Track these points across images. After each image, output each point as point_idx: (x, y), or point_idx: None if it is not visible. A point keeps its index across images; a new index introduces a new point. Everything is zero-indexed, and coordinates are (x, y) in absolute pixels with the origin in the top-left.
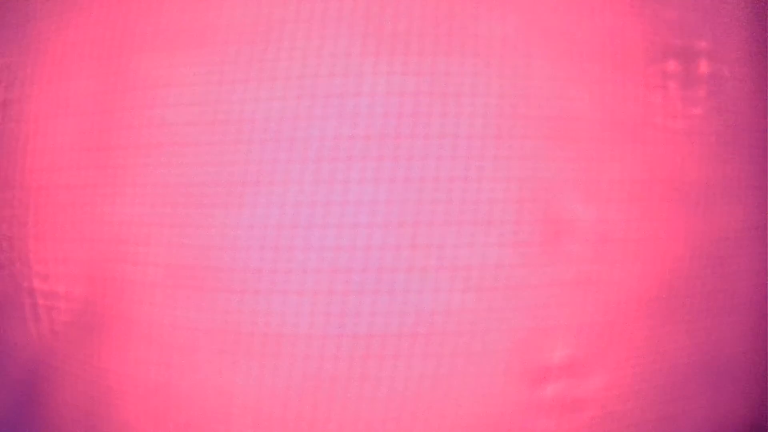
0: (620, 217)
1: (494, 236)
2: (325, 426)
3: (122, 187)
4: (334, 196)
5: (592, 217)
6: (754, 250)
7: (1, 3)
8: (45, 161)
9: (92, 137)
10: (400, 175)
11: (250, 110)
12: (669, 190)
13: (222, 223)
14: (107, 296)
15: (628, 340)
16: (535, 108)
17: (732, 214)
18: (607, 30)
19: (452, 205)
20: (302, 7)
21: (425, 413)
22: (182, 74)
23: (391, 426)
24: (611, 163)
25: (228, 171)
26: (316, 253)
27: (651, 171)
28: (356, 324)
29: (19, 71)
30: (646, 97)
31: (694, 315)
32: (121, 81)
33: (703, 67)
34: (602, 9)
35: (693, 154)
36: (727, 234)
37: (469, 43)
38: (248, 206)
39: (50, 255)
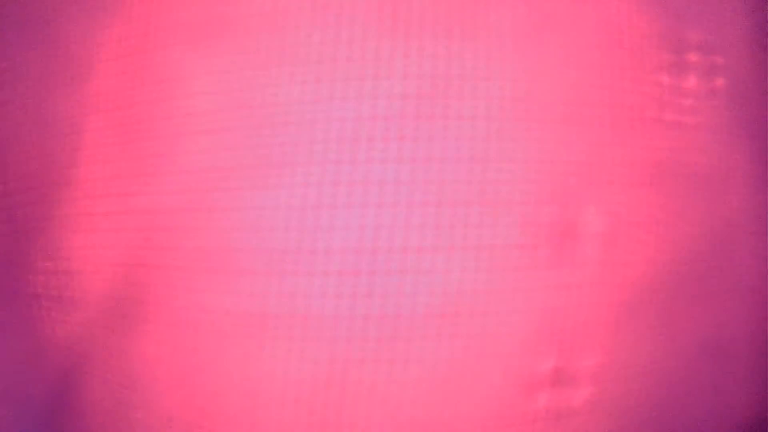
0: (629, 201)
1: (512, 216)
2: (353, 407)
3: (151, 176)
4: (357, 176)
5: (603, 199)
6: (759, 237)
7: (26, 6)
8: (76, 157)
9: (121, 131)
10: (422, 155)
11: (272, 95)
12: (676, 175)
13: (248, 205)
14: (138, 283)
15: (634, 323)
16: (548, 93)
17: (737, 201)
18: (616, 17)
19: (472, 186)
20: None
21: (448, 391)
22: (206, 64)
23: (419, 406)
24: (622, 148)
25: (253, 154)
26: (340, 233)
27: (659, 157)
28: (383, 305)
29: (47, 72)
30: (655, 83)
31: (699, 302)
32: (148, 75)
33: (711, 54)
34: None
35: (700, 140)
36: (732, 220)
37: (481, 29)
38: (273, 188)
39: (82, 244)
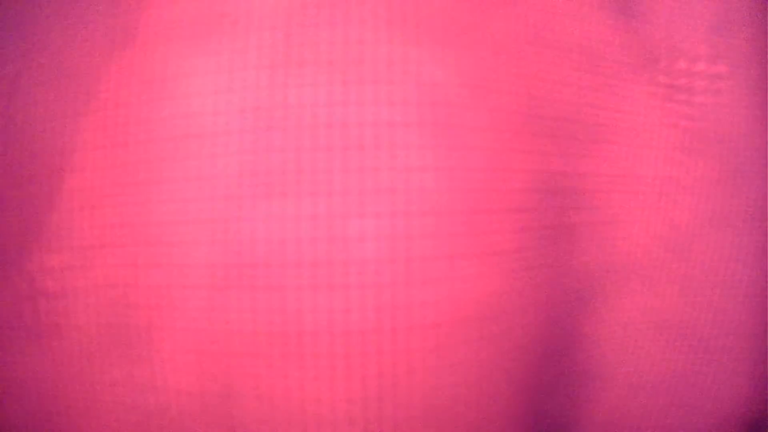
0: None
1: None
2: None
3: (148, 185)
4: (367, 185)
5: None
6: (722, 242)
7: (12, 3)
8: (65, 161)
9: (114, 134)
10: (444, 164)
11: (270, 96)
12: (637, 183)
13: (259, 215)
14: (134, 305)
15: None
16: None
17: (697, 207)
18: (596, 36)
19: (480, 195)
20: None
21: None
22: (205, 63)
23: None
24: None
25: (254, 160)
26: (354, 245)
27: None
28: (408, 316)
29: (36, 71)
30: (650, 96)
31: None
32: (140, 73)
33: (714, 65)
34: (591, 15)
35: (662, 149)
36: (692, 224)
37: (480, 40)
38: (280, 197)
39: (66, 264)
